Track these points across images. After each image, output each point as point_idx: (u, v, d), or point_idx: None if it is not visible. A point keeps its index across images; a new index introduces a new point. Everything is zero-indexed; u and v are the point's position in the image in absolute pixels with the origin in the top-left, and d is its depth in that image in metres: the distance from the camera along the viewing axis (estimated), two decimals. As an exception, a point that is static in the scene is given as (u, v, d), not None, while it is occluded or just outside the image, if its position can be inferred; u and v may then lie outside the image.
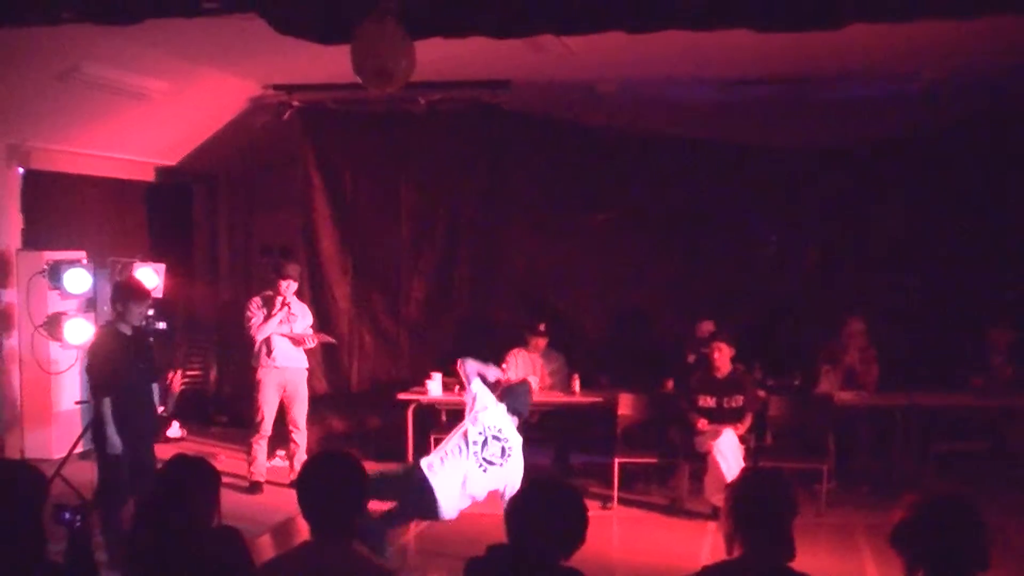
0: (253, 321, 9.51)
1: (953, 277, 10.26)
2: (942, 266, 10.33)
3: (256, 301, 9.65)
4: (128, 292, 7.60)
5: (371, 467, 4.16)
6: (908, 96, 10.08)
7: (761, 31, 5.59)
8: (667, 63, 9.37)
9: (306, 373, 9.80)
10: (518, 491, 3.64)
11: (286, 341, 9.53)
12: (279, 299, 9.50)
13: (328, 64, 8.51)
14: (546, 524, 3.46)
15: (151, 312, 8.46)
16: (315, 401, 10.30)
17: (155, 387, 7.89)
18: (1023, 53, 8.75)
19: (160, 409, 7.90)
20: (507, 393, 7.47)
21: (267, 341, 9.51)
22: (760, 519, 3.46)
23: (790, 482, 3.92)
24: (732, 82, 9.91)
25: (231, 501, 7.19)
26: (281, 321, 9.51)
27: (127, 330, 7.46)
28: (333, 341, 10.33)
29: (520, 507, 3.55)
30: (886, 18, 5.54)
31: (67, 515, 3.92)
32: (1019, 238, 10.12)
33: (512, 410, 7.24)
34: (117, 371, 7.34)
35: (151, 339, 7.77)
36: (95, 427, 7.47)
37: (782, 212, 10.92)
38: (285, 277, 9.56)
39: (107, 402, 7.25)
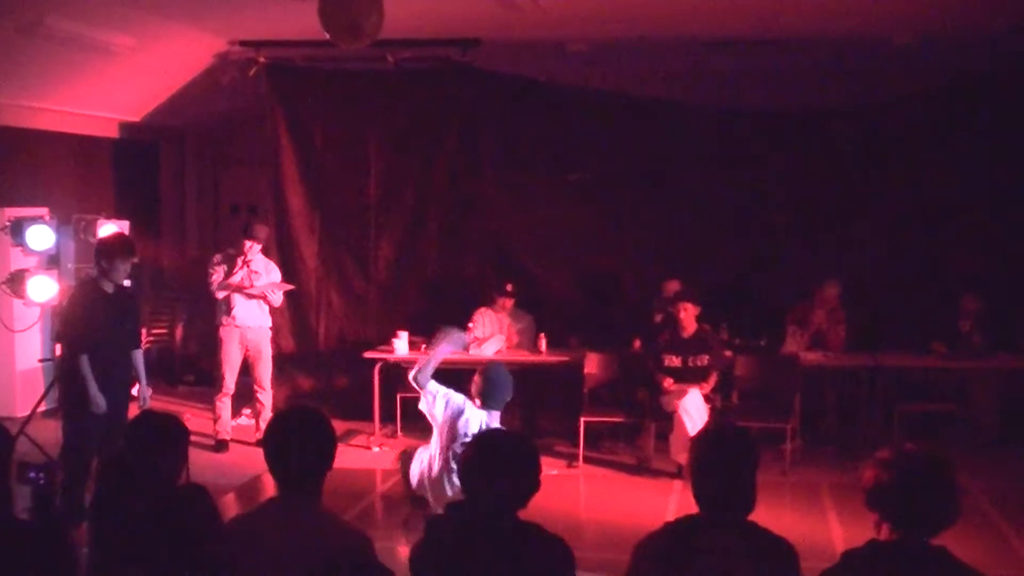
0: (213, 278, 9.46)
1: (923, 243, 10.30)
2: (912, 231, 10.35)
3: (217, 257, 9.60)
4: (114, 248, 7.34)
5: (339, 426, 4.14)
6: (880, 61, 10.08)
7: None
8: (638, 23, 9.33)
9: (269, 332, 9.75)
10: (468, 445, 3.62)
11: (246, 299, 9.48)
12: (240, 259, 9.45)
13: (295, 20, 8.44)
14: (497, 475, 3.47)
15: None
16: (282, 360, 10.26)
17: (138, 353, 7.72)
18: (991, 21, 8.79)
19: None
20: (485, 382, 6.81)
21: (227, 299, 9.47)
22: (720, 473, 3.46)
23: (750, 435, 3.93)
24: (703, 44, 9.88)
25: (196, 459, 7.17)
26: (242, 279, 9.45)
27: (108, 288, 7.29)
28: (292, 287, 10.14)
29: (470, 461, 3.56)
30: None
31: (33, 473, 3.90)
32: (990, 206, 10.15)
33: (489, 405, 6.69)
34: (94, 328, 7.20)
35: (134, 301, 7.59)
36: (68, 386, 7.32)
37: (752, 174, 10.90)
38: (251, 238, 9.48)
39: (85, 359, 7.10)
